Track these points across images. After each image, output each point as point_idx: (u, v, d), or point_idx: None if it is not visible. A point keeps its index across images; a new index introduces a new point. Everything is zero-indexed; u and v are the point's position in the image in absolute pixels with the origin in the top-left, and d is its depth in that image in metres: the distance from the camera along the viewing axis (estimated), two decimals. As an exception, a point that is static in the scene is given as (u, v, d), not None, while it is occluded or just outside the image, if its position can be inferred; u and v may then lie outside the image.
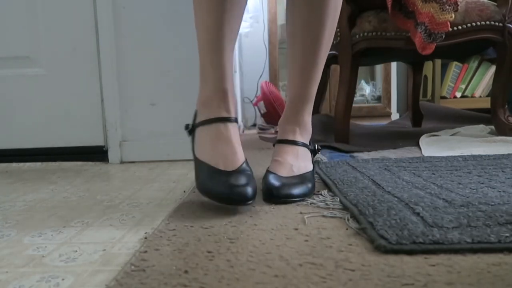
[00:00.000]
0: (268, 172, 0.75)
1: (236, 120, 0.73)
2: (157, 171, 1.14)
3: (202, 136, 0.73)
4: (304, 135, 0.82)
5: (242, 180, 0.65)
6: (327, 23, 0.77)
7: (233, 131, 0.72)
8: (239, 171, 0.67)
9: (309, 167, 0.78)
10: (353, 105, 1.42)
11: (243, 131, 2.17)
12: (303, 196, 0.70)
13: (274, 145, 0.82)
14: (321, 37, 0.78)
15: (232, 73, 0.75)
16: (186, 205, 0.69)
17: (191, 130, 0.77)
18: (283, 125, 0.83)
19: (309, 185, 0.72)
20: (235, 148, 0.70)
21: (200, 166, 0.71)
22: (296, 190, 0.70)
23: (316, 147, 0.84)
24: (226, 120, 0.71)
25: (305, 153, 0.80)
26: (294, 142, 0.79)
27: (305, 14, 0.77)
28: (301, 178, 0.73)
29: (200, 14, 0.71)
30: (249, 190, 0.63)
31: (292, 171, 0.75)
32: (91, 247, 0.54)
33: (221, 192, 0.63)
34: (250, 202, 0.63)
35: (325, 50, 0.80)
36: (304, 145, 0.80)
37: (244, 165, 0.69)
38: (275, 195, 0.69)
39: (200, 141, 0.74)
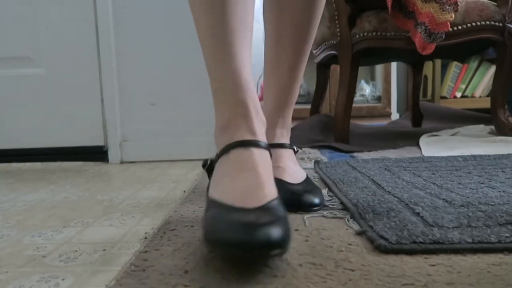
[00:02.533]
0: (275, 180, 0.55)
1: (265, 145, 0.53)
2: (157, 171, 1.14)
3: (219, 170, 0.53)
4: (288, 136, 0.77)
5: (265, 218, 0.42)
6: (317, 20, 0.72)
7: (261, 157, 0.51)
8: (263, 209, 0.44)
9: (303, 172, 0.73)
10: (353, 105, 1.42)
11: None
12: (322, 204, 0.65)
13: None
14: (311, 35, 0.72)
15: (252, 81, 0.57)
16: (186, 205, 0.69)
17: (209, 167, 0.58)
18: (272, 128, 0.73)
19: (320, 191, 0.69)
20: (261, 179, 0.48)
21: (209, 207, 0.49)
22: (316, 198, 0.65)
23: (296, 149, 0.77)
24: (250, 144, 0.52)
25: (292, 155, 0.75)
26: (286, 146, 0.74)
27: (296, 12, 0.70)
28: (310, 185, 0.69)
29: (198, 12, 0.57)
30: (276, 231, 0.40)
31: (298, 177, 0.69)
32: (91, 247, 0.54)
33: (231, 236, 0.40)
34: (277, 250, 0.40)
35: (310, 47, 0.74)
36: (291, 147, 0.75)
37: (275, 203, 0.46)
38: (301, 204, 0.63)
39: (215, 177, 0.53)
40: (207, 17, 0.55)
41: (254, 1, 0.59)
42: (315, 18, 0.71)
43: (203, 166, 0.59)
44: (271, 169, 0.53)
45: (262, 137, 0.54)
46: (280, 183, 0.60)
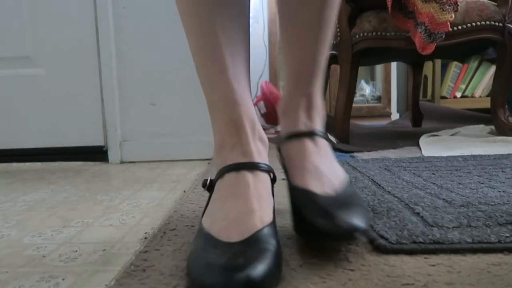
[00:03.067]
0: (297, 189, 0.48)
1: (263, 166, 0.48)
2: (157, 171, 1.14)
3: (214, 195, 0.49)
4: (319, 122, 0.56)
5: (248, 254, 0.38)
6: None
7: (255, 181, 0.46)
8: (248, 242, 0.40)
9: (342, 172, 0.53)
10: (353, 105, 1.42)
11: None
12: (367, 226, 0.44)
13: (279, 148, 0.57)
14: None
15: (249, 95, 0.51)
16: (186, 205, 0.69)
17: (209, 186, 0.50)
18: (294, 112, 0.55)
19: (363, 206, 0.48)
20: (250, 207, 0.43)
21: (197, 236, 0.45)
22: (357, 219, 0.43)
23: (334, 140, 0.58)
24: (243, 167, 0.47)
25: (328, 148, 0.55)
26: (316, 134, 0.54)
27: None
28: (350, 196, 0.49)
29: (187, 23, 0.53)
30: (257, 270, 0.35)
31: (331, 183, 0.49)
32: (91, 247, 0.54)
33: (206, 279, 0.36)
34: None
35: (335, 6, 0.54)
36: (324, 135, 0.55)
37: (265, 231, 0.41)
38: (333, 231, 0.43)
39: (211, 201, 0.49)
40: (195, 29, 0.51)
41: (248, 12, 0.54)
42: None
43: (203, 186, 0.51)
44: (269, 192, 0.48)
45: (259, 157, 0.49)
46: (304, 196, 0.47)
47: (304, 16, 0.53)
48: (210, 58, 0.50)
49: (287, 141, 0.55)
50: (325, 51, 0.55)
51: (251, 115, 0.50)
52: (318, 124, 0.56)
